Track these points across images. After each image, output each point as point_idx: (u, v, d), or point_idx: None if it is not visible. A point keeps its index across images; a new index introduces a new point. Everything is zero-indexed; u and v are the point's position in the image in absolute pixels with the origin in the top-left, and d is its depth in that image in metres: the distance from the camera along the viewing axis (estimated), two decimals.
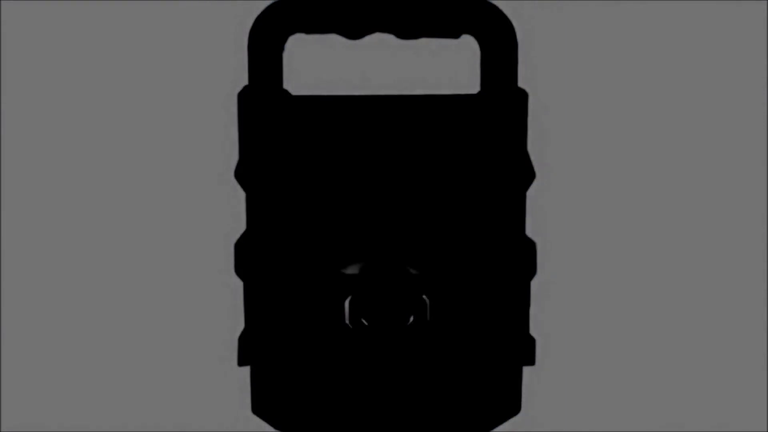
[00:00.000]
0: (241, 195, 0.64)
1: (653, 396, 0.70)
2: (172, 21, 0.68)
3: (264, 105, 0.61)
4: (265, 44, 0.61)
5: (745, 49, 0.70)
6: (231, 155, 0.65)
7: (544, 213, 0.67)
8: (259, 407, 0.65)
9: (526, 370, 0.67)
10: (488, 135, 0.61)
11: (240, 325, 0.65)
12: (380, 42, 0.63)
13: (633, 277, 0.72)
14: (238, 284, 0.66)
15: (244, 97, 0.61)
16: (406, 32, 0.61)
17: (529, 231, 0.65)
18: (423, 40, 0.62)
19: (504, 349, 0.64)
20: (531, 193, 0.67)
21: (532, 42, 0.65)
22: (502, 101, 0.61)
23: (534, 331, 0.67)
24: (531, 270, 0.64)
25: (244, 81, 0.63)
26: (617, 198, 0.71)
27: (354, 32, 0.61)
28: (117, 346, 0.71)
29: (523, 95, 0.61)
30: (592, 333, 0.72)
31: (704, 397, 0.69)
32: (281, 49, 0.61)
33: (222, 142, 0.68)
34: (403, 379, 0.64)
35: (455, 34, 0.61)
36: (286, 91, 0.61)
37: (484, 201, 0.62)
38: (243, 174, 0.62)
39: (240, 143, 0.62)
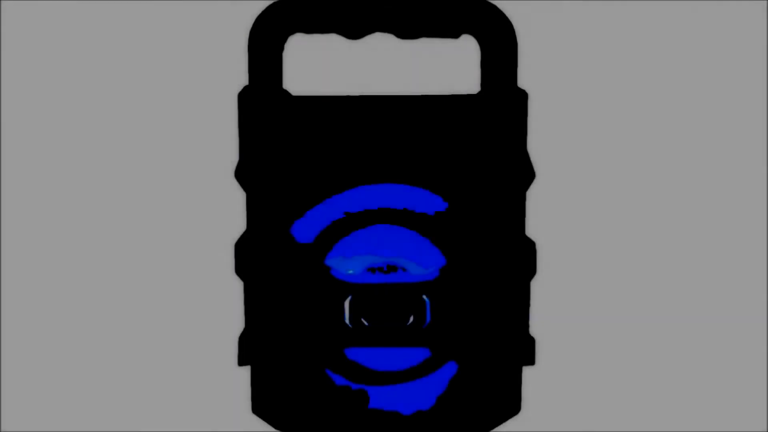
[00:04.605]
0: (241, 195, 0.64)
1: (653, 396, 0.69)
2: (172, 21, 0.68)
3: (264, 105, 0.61)
4: (265, 44, 0.60)
5: (745, 49, 0.70)
6: (231, 155, 0.65)
7: (544, 213, 0.67)
8: (259, 407, 0.65)
9: (526, 370, 0.67)
10: (488, 135, 0.61)
11: (240, 325, 0.65)
12: (380, 42, 0.63)
13: (633, 276, 0.72)
14: (238, 284, 0.66)
15: (243, 97, 0.61)
16: (406, 32, 0.61)
17: (529, 231, 0.65)
18: (423, 40, 0.62)
19: (504, 349, 0.64)
20: (531, 193, 0.67)
21: (532, 42, 0.65)
22: (502, 101, 0.61)
23: (534, 331, 0.67)
24: (531, 270, 0.64)
25: (244, 81, 0.63)
26: (618, 198, 0.71)
27: (354, 32, 0.61)
28: (117, 346, 0.71)
29: (523, 95, 0.61)
30: (592, 333, 0.72)
31: (704, 397, 0.69)
32: (281, 49, 0.61)
33: (222, 142, 0.68)
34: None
35: (455, 34, 0.61)
36: (286, 91, 0.61)
37: (484, 201, 0.62)
38: (243, 174, 0.62)
39: (240, 143, 0.62)
